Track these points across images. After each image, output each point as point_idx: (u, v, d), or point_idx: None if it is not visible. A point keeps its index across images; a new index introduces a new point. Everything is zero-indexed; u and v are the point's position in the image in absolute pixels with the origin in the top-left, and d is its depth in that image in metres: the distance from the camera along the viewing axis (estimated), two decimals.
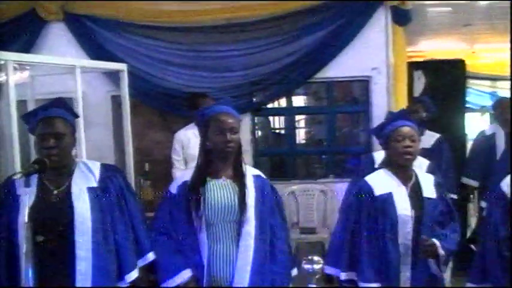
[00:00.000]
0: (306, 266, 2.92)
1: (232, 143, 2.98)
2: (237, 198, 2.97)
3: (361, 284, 3.20)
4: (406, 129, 3.26)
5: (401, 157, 3.24)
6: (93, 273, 2.82)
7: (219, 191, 2.99)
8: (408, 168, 3.31)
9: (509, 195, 2.78)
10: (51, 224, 2.81)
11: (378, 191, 3.27)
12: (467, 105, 7.74)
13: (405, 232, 3.17)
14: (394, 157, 3.30)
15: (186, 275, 2.95)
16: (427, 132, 5.07)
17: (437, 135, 5.36)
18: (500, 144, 5.80)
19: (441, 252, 3.15)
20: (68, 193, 2.89)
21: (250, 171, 3.13)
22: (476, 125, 8.36)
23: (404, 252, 3.18)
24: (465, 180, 6.21)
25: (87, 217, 2.85)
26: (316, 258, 2.95)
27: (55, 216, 2.83)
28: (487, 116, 8.28)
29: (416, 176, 3.34)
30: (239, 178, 3.04)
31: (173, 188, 3.07)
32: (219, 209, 2.95)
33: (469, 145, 6.80)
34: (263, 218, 3.02)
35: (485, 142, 6.11)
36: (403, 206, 3.20)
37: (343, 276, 3.25)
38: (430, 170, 4.09)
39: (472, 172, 6.16)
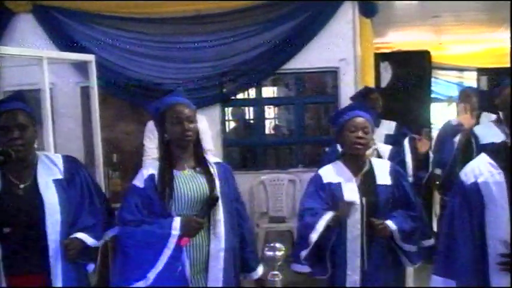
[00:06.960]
0: (268, 253, 2.96)
1: (190, 132, 3.00)
2: (205, 188, 3.00)
3: (293, 266, 3.38)
4: (359, 120, 3.31)
5: (353, 147, 3.29)
6: (63, 264, 2.88)
7: (187, 182, 3.01)
8: (361, 158, 3.37)
9: (467, 184, 2.77)
10: (19, 216, 2.84)
11: (326, 179, 3.35)
12: (434, 96, 7.90)
13: (353, 220, 3.23)
14: (346, 147, 3.37)
15: None
16: (383, 121, 5.00)
17: (394, 122, 5.20)
18: None
19: (393, 227, 3.22)
20: (34, 186, 2.91)
21: (211, 160, 3.18)
22: (443, 115, 8.50)
23: (352, 240, 3.24)
24: (433, 170, 6.34)
25: (56, 209, 2.89)
26: (278, 245, 2.99)
27: (22, 209, 2.85)
28: (453, 106, 8.42)
29: (370, 164, 3.40)
30: (203, 168, 3.07)
31: (139, 182, 3.01)
32: (189, 201, 2.97)
33: (435, 135, 6.95)
34: (230, 204, 3.08)
35: (451, 132, 6.23)
36: (351, 195, 3.25)
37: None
38: (392, 155, 4.17)
39: (438, 161, 6.29)
